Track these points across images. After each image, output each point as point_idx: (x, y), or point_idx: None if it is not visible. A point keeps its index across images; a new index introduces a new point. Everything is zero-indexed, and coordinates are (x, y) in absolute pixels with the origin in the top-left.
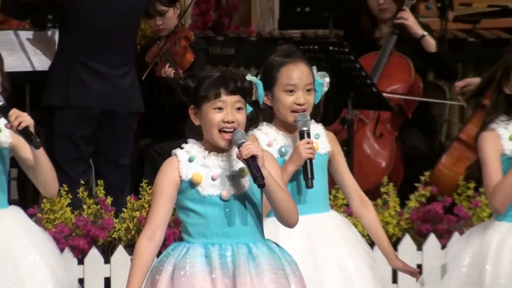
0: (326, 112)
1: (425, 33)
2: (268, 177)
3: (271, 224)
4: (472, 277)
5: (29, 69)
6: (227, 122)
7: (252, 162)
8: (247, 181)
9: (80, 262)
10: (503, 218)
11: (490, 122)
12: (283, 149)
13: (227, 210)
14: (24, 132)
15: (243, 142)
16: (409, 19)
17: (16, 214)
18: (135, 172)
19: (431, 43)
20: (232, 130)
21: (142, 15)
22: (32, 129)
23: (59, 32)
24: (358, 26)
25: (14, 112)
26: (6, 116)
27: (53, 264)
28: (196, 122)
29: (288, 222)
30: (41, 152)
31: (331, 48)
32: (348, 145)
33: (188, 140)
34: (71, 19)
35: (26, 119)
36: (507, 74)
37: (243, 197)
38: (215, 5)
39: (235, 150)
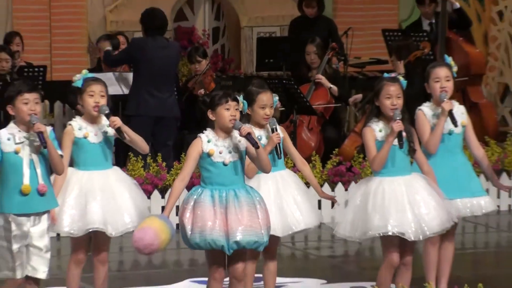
0: (282, 117)
1: (331, 85)
2: (261, 146)
3: (256, 178)
4: (361, 206)
5: (120, 93)
6: (232, 116)
7: (249, 136)
8: (238, 154)
9: (148, 198)
10: (377, 174)
11: (368, 122)
12: (259, 137)
13: (225, 170)
14: (116, 130)
15: (241, 126)
16: (322, 79)
17: (117, 171)
18: (179, 148)
19: (334, 89)
20: (234, 120)
21: (179, 63)
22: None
23: (133, 74)
24: (299, 70)
25: (112, 118)
26: (109, 119)
27: (137, 199)
28: (213, 119)
29: (266, 170)
30: (132, 135)
31: (284, 81)
32: (294, 134)
33: (207, 128)
34: (139, 67)
35: (118, 122)
36: (377, 95)
37: (235, 163)
38: (221, 59)
39: (234, 136)
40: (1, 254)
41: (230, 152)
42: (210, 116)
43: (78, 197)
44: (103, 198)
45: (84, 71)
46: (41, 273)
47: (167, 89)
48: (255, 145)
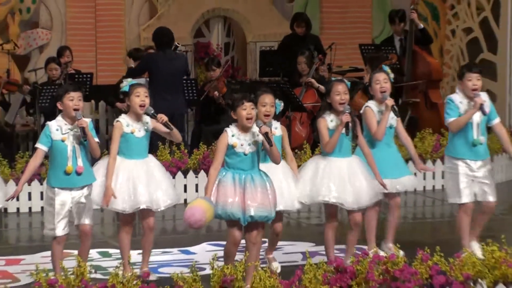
0: (279, 114)
1: (319, 85)
2: (274, 144)
3: (268, 165)
4: (312, 178)
5: None
6: (248, 114)
7: (265, 135)
8: (256, 147)
9: (173, 178)
10: (327, 155)
11: (322, 114)
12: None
13: (245, 159)
14: (165, 124)
15: (261, 126)
16: (312, 81)
17: (153, 159)
18: (197, 137)
19: (322, 88)
20: (251, 118)
21: (186, 72)
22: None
23: (149, 81)
24: (293, 77)
25: (159, 115)
26: (155, 117)
27: (167, 180)
28: (234, 118)
29: (276, 162)
30: (175, 130)
31: (281, 85)
32: (289, 127)
33: (232, 124)
34: (153, 76)
35: (165, 118)
36: (329, 93)
37: (253, 154)
38: (231, 67)
39: (253, 131)
40: (47, 217)
41: (249, 145)
42: (233, 116)
43: (127, 181)
44: (147, 181)
45: (130, 79)
46: (87, 221)
47: (176, 92)
48: (270, 143)
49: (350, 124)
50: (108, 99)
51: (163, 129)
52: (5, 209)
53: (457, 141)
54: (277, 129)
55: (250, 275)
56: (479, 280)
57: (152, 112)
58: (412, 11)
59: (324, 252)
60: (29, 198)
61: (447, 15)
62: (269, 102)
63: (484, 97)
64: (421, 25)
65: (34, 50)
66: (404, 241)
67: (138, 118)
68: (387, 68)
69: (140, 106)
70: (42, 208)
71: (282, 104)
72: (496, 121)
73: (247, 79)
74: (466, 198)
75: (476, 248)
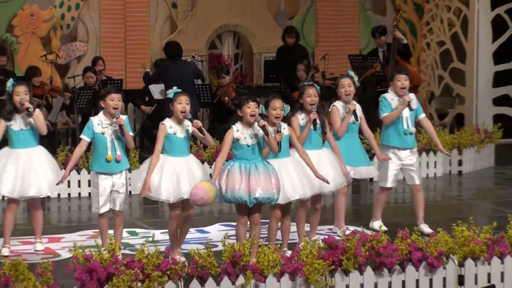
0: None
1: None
2: (270, 134)
3: (279, 161)
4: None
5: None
6: (252, 111)
7: (263, 127)
8: (257, 139)
9: None
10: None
11: (294, 113)
12: (270, 129)
13: (249, 149)
14: (198, 129)
15: (259, 120)
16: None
17: (193, 157)
18: (211, 134)
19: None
20: (254, 115)
21: (197, 78)
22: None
23: (163, 86)
24: (292, 82)
25: (195, 121)
26: (191, 122)
27: (206, 176)
28: (240, 115)
29: (273, 151)
30: (207, 135)
31: (282, 89)
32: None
33: (238, 122)
34: (166, 81)
35: (199, 123)
36: (301, 95)
37: (255, 145)
38: (240, 74)
39: (255, 127)
40: (93, 197)
41: (251, 138)
42: (239, 113)
43: (171, 175)
44: (188, 176)
45: (175, 88)
46: (119, 206)
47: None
48: (266, 133)
49: (317, 121)
50: (136, 102)
51: (199, 133)
52: (58, 195)
53: (390, 132)
54: (285, 129)
55: (255, 251)
56: (451, 255)
57: (190, 117)
58: (395, 30)
59: (318, 232)
60: (68, 186)
61: (423, 30)
62: (279, 106)
63: (411, 96)
64: (405, 41)
65: (73, 60)
66: (387, 222)
67: (179, 121)
68: (352, 73)
69: (181, 112)
70: (79, 194)
71: (289, 107)
72: (423, 115)
73: (253, 84)
74: (390, 184)
75: (424, 227)
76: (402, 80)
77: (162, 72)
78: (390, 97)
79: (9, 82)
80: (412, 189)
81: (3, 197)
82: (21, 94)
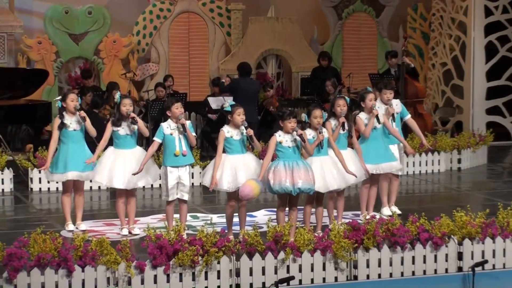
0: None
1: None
2: (306, 141)
3: (321, 158)
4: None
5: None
6: (292, 126)
7: (300, 136)
8: (295, 143)
9: None
10: (309, 157)
11: (329, 119)
12: (310, 135)
13: (290, 150)
14: (250, 137)
15: (297, 131)
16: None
17: (250, 154)
18: (257, 138)
19: None
20: (293, 128)
21: (259, 92)
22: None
23: (233, 100)
24: (323, 95)
25: (249, 129)
26: (246, 129)
27: (255, 162)
28: (281, 125)
29: (310, 154)
30: (256, 142)
31: (315, 101)
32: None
33: (279, 130)
34: (236, 95)
35: (251, 132)
36: (333, 105)
37: (295, 147)
38: (281, 89)
39: (294, 133)
40: (163, 187)
41: (291, 142)
42: (281, 123)
43: (231, 169)
44: (245, 170)
45: (230, 101)
46: (185, 196)
47: (252, 106)
48: (303, 140)
49: (346, 124)
50: (198, 111)
51: (251, 140)
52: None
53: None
54: (325, 132)
55: (293, 231)
56: (452, 236)
57: (246, 125)
58: (403, 56)
59: (344, 216)
60: None
61: (429, 53)
62: (319, 115)
63: (396, 102)
64: (412, 65)
65: (147, 77)
66: (400, 209)
67: (236, 127)
68: (344, 95)
69: (241, 121)
70: (151, 185)
71: (326, 114)
72: (408, 117)
73: (292, 97)
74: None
75: (396, 210)
76: (388, 94)
77: (235, 85)
78: (377, 105)
79: (117, 95)
80: (390, 177)
81: (99, 186)
82: (127, 106)
